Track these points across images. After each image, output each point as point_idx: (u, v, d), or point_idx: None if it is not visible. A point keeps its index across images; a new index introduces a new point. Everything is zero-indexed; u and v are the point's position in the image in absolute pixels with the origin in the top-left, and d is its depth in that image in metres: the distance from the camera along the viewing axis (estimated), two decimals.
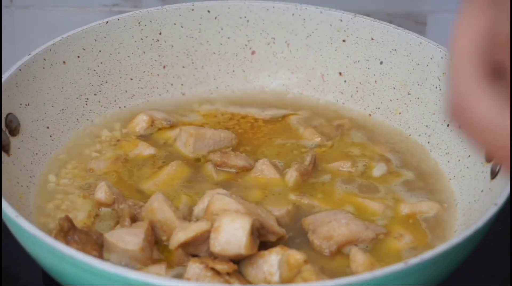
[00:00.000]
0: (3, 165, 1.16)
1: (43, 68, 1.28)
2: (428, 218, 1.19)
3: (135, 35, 1.37)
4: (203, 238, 1.06)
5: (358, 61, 1.38)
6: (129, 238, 1.07)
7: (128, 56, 1.38)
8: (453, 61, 0.76)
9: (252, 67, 1.43)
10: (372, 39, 1.37)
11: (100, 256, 1.07)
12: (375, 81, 1.38)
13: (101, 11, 1.66)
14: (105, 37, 1.35)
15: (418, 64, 1.33)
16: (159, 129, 1.33)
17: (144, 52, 1.39)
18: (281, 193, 1.21)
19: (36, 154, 1.25)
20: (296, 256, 1.05)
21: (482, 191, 1.17)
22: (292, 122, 1.36)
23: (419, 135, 1.33)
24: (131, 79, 1.39)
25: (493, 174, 1.16)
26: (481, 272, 1.21)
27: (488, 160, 1.18)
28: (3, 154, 1.18)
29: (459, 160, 1.25)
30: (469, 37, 0.76)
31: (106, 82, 1.36)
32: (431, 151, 1.31)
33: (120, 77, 1.38)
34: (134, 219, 1.13)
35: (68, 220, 1.08)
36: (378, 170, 1.27)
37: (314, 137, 1.32)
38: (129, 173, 1.24)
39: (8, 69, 1.23)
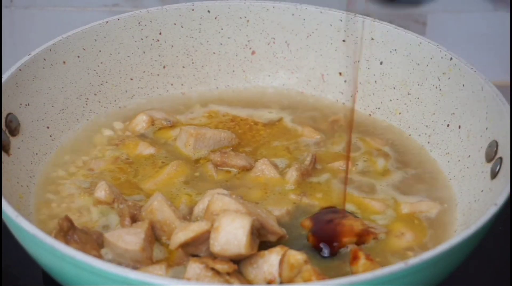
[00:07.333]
0: (3, 165, 1.16)
1: (43, 68, 1.28)
2: (428, 218, 1.19)
3: (135, 35, 1.37)
4: (203, 238, 1.06)
5: (358, 61, 1.38)
6: (130, 238, 1.07)
7: (128, 56, 1.38)
8: None
9: (252, 67, 1.43)
10: (372, 39, 1.37)
11: (100, 256, 1.07)
12: (375, 81, 1.38)
13: (101, 11, 1.66)
14: (105, 37, 1.35)
15: (418, 64, 1.33)
16: (160, 128, 1.33)
17: (144, 52, 1.39)
18: (281, 193, 1.21)
19: (36, 154, 1.25)
20: (296, 256, 1.05)
21: (482, 191, 1.17)
22: (290, 123, 1.36)
23: (419, 135, 1.33)
24: (131, 79, 1.39)
25: (493, 174, 1.16)
26: (481, 272, 1.21)
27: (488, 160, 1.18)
28: (3, 154, 1.18)
29: (459, 160, 1.25)
30: None
31: (106, 82, 1.37)
32: (431, 151, 1.31)
33: (120, 77, 1.38)
34: (134, 219, 1.13)
35: (68, 220, 1.08)
36: (378, 165, 1.27)
37: (313, 135, 1.32)
38: (129, 172, 1.24)
39: (8, 69, 1.23)
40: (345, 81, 1.40)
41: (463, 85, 1.26)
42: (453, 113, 1.28)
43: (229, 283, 1.03)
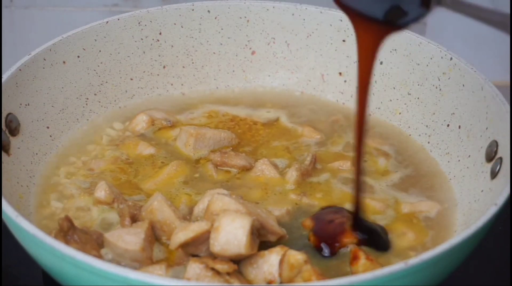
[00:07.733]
0: (3, 165, 1.16)
1: (43, 68, 1.28)
2: (428, 218, 1.19)
3: (135, 35, 1.37)
4: (203, 238, 1.06)
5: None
6: (130, 238, 1.07)
7: (128, 56, 1.38)
8: None
9: (252, 67, 1.43)
10: None
11: (100, 256, 1.07)
12: (375, 81, 1.38)
13: (101, 11, 1.66)
14: (105, 37, 1.35)
15: (418, 64, 1.33)
16: (160, 128, 1.33)
17: (144, 52, 1.39)
18: (281, 193, 1.21)
19: (36, 154, 1.25)
20: (296, 256, 1.05)
21: (482, 191, 1.17)
22: (290, 123, 1.36)
23: (419, 135, 1.33)
24: (131, 79, 1.39)
25: (493, 174, 1.16)
26: (481, 272, 1.21)
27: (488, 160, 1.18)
28: (3, 154, 1.18)
29: (459, 160, 1.25)
30: None
31: (106, 82, 1.37)
32: (431, 151, 1.31)
33: (120, 77, 1.38)
34: (134, 219, 1.13)
35: (68, 220, 1.08)
36: (379, 165, 1.27)
37: (313, 135, 1.32)
38: (129, 172, 1.24)
39: (8, 69, 1.23)
40: (345, 81, 1.40)
41: (463, 85, 1.26)
42: (453, 113, 1.28)
43: (229, 283, 1.03)
